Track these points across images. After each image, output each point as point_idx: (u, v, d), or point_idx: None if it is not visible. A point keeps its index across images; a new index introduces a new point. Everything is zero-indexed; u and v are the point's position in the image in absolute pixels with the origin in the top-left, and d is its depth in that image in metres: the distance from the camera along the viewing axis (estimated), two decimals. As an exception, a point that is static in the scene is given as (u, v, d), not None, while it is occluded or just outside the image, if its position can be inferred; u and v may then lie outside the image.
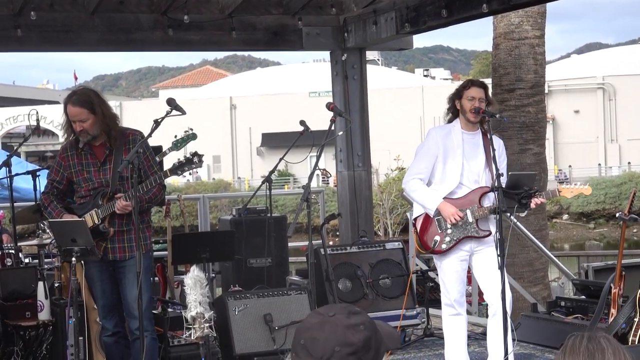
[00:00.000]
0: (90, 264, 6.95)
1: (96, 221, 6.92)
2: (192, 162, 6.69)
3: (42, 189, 9.17)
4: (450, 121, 7.24)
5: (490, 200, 7.01)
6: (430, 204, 7.10)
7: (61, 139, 9.50)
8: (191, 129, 8.44)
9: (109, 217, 6.91)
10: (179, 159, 6.77)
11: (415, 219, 7.32)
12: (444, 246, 7.10)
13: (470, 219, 7.05)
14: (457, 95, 7.14)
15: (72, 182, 7.09)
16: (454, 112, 7.20)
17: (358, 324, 2.65)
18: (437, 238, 7.12)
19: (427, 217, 7.20)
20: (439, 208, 7.06)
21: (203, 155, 6.83)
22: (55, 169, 7.15)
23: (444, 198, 7.09)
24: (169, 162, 7.04)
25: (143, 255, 6.86)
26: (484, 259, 7.06)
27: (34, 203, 8.98)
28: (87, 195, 7.01)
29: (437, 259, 7.26)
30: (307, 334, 2.64)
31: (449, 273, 7.15)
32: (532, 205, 6.93)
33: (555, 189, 7.26)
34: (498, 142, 7.14)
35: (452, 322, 7.22)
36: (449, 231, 7.08)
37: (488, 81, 9.72)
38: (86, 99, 6.87)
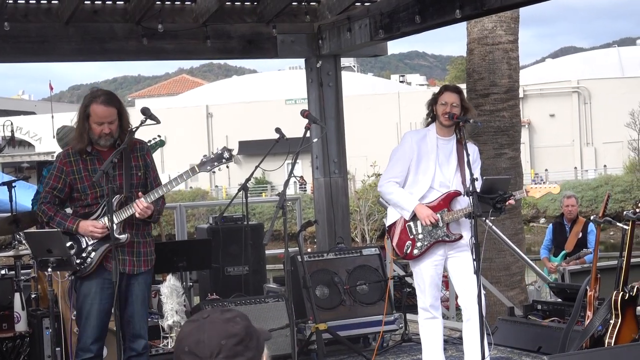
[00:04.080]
0: (90, 280, 6.53)
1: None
2: (221, 157, 6.42)
3: (17, 200, 9.22)
4: (427, 125, 7.28)
5: (460, 204, 7.05)
6: (407, 206, 7.14)
7: (37, 148, 9.38)
8: (159, 136, 8.37)
9: (122, 224, 6.49)
10: (205, 155, 6.54)
11: (389, 226, 7.36)
12: (415, 251, 7.14)
13: (440, 223, 7.09)
14: (433, 101, 7.19)
15: (72, 189, 6.58)
16: (432, 117, 7.25)
17: (234, 316, 2.72)
18: (409, 244, 7.16)
19: (399, 223, 7.23)
20: (414, 210, 7.10)
21: (233, 149, 6.59)
22: (55, 175, 6.58)
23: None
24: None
25: (148, 271, 6.74)
26: (459, 263, 7.09)
27: (9, 214, 8.94)
28: (94, 204, 6.55)
29: (412, 264, 7.30)
30: (189, 340, 2.67)
31: (424, 278, 7.18)
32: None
33: (524, 189, 7.31)
34: (473, 148, 7.18)
35: (428, 325, 7.26)
36: (420, 236, 7.12)
37: (463, 86, 9.77)
38: (115, 98, 6.53)
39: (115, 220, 6.46)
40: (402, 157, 7.22)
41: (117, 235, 6.49)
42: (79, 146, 6.56)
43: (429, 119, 7.26)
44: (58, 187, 6.59)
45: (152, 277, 7.44)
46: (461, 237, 7.06)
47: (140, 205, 6.38)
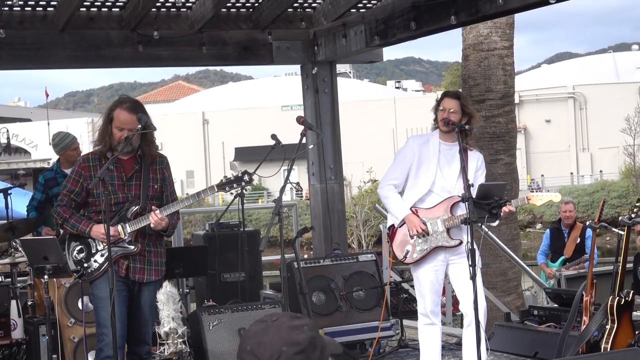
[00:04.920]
0: (104, 284, 6.42)
1: (123, 236, 6.53)
2: (241, 180, 6.55)
3: (13, 207, 9.22)
4: (433, 130, 7.30)
5: (462, 209, 7.04)
6: (398, 214, 7.17)
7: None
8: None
9: (135, 234, 6.56)
10: (225, 176, 6.67)
11: (389, 228, 7.36)
12: (415, 255, 7.13)
13: (441, 228, 7.09)
14: (436, 107, 7.22)
15: (89, 194, 6.61)
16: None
17: (302, 325, 2.71)
18: (409, 248, 7.16)
19: (400, 226, 7.24)
20: (404, 219, 7.11)
21: (253, 173, 6.72)
22: (73, 179, 6.63)
23: (413, 206, 7.14)
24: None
25: (158, 280, 6.80)
26: (460, 269, 7.09)
27: (5, 221, 8.93)
28: (109, 211, 6.45)
29: (413, 269, 7.30)
30: (253, 340, 2.68)
31: (424, 283, 7.18)
32: (502, 214, 6.96)
33: (525, 197, 7.30)
34: (477, 156, 7.18)
35: (427, 331, 7.25)
36: (420, 241, 7.12)
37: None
38: (140, 108, 6.57)
39: (129, 230, 6.53)
40: (402, 160, 7.26)
41: (127, 245, 6.56)
42: (100, 149, 6.62)
43: (436, 125, 7.28)
44: (75, 191, 6.63)
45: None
46: (461, 242, 7.06)
47: (155, 217, 6.43)
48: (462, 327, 7.68)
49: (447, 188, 7.14)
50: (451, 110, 7.06)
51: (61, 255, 6.65)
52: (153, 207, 6.51)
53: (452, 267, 7.19)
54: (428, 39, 10.17)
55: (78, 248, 6.62)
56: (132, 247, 6.56)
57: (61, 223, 6.67)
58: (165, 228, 6.56)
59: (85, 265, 6.58)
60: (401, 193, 7.36)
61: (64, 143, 9.14)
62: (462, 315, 7.43)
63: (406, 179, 7.24)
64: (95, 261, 6.56)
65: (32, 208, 9.10)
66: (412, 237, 7.14)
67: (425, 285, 7.18)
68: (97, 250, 6.58)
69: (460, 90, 12.12)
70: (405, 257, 7.20)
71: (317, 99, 10.66)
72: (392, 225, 7.32)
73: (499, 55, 11.64)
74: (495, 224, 7.27)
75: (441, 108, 7.11)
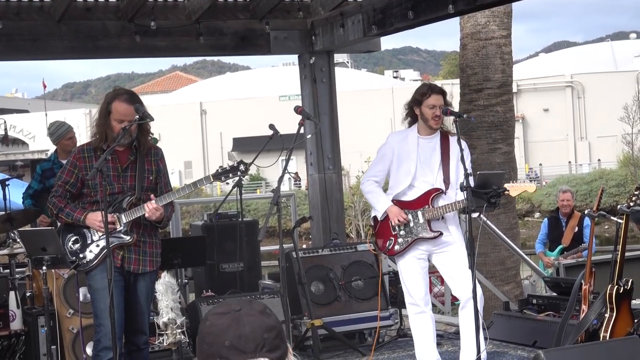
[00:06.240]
0: (101, 274, 6.45)
1: (118, 227, 6.52)
2: (237, 169, 6.59)
3: (11, 198, 9.21)
4: (410, 125, 7.30)
5: (443, 199, 7.09)
6: (379, 207, 7.25)
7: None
8: (152, 134, 8.41)
9: (130, 224, 6.55)
10: (221, 166, 6.69)
11: (373, 220, 7.41)
12: (397, 247, 7.18)
13: (421, 220, 7.11)
14: (417, 103, 7.19)
15: (83, 185, 6.59)
16: (412, 116, 7.27)
17: (264, 308, 2.69)
18: (391, 239, 7.20)
19: (383, 220, 7.27)
20: (386, 211, 7.15)
21: (249, 164, 6.74)
22: (68, 170, 6.59)
23: (395, 199, 7.17)
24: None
25: (154, 271, 6.79)
26: (446, 257, 7.15)
27: (3, 212, 8.92)
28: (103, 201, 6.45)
29: (397, 260, 7.35)
30: (229, 334, 2.60)
31: (408, 272, 7.21)
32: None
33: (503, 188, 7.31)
34: (462, 144, 7.19)
35: (418, 320, 7.27)
36: (402, 233, 7.15)
37: (457, 81, 9.78)
38: (137, 98, 6.56)
39: (125, 220, 6.52)
40: (382, 158, 7.34)
41: (122, 235, 6.54)
42: (100, 143, 6.58)
43: (409, 119, 7.28)
44: (70, 182, 6.60)
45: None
46: (440, 234, 7.09)
47: (150, 206, 6.43)
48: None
49: (428, 181, 7.17)
50: (439, 106, 7.09)
51: (59, 246, 6.63)
52: (152, 196, 6.50)
53: (436, 257, 7.24)
54: (426, 28, 10.14)
55: (73, 239, 6.60)
56: (128, 237, 6.54)
57: (56, 213, 6.64)
58: (159, 219, 6.56)
59: (81, 255, 6.55)
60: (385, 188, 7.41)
61: (59, 132, 9.13)
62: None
63: (388, 175, 7.29)
64: (90, 251, 6.55)
65: (27, 196, 9.09)
66: (394, 229, 7.17)
67: (409, 274, 7.21)
68: (93, 241, 6.56)
69: (459, 79, 12.12)
70: (387, 248, 7.23)
71: (315, 89, 10.64)
72: (376, 217, 7.36)
73: (496, 44, 11.62)
74: (476, 215, 7.30)
75: (430, 106, 7.10)
